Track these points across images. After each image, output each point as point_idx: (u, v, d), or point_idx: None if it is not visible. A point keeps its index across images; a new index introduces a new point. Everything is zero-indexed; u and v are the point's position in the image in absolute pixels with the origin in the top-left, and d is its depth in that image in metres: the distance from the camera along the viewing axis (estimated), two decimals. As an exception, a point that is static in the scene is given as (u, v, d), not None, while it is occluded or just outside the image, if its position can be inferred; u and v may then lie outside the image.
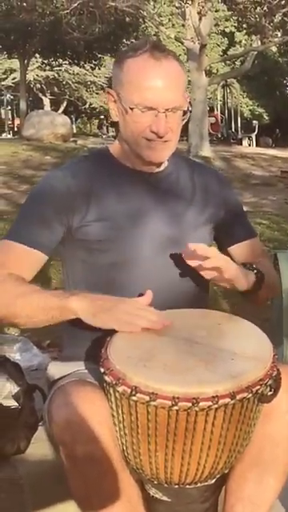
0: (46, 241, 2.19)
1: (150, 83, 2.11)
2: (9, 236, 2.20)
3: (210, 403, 1.69)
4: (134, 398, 1.71)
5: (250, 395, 1.75)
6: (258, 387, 1.77)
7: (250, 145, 33.04)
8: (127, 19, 24.83)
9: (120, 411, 1.80)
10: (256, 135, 34.93)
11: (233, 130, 34.95)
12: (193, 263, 2.12)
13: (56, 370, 2.25)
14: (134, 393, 1.71)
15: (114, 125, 2.30)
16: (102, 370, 1.81)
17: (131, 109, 2.13)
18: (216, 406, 1.69)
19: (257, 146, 33.11)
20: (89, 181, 2.23)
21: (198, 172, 2.41)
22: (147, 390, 1.70)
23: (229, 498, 2.10)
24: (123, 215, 2.21)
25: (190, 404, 1.68)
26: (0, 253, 2.20)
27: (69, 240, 2.23)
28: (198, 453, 1.78)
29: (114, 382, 1.75)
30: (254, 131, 34.60)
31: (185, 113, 2.22)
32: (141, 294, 2.05)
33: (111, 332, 1.94)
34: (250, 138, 34.36)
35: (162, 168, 2.30)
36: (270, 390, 1.83)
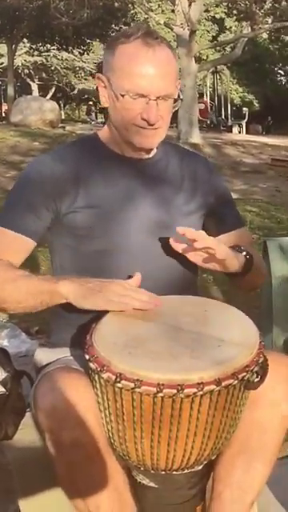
0: (34, 227, 2.19)
1: (142, 70, 2.10)
2: None
3: (195, 390, 1.68)
4: (118, 384, 1.71)
5: (236, 382, 1.75)
6: (244, 374, 1.77)
7: (240, 132, 33.09)
8: (116, 4, 24.73)
9: (105, 398, 1.80)
10: (246, 122, 34.97)
11: (223, 116, 34.92)
12: (180, 249, 2.12)
13: (43, 356, 2.25)
14: (118, 380, 1.70)
15: (104, 110, 2.29)
16: (87, 356, 1.80)
17: (122, 95, 2.11)
18: (201, 392, 1.69)
19: (247, 133, 33.13)
20: (77, 166, 2.23)
21: (187, 159, 2.41)
22: (132, 376, 1.69)
23: (217, 484, 2.10)
24: (111, 201, 2.21)
25: (174, 391, 1.67)
26: None
27: (56, 227, 2.22)
28: (184, 439, 1.78)
29: (98, 369, 1.75)
30: (244, 118, 34.66)
31: (175, 100, 2.21)
32: (130, 277, 2.06)
33: (97, 318, 1.94)
34: (240, 125, 34.41)
35: (151, 155, 2.30)
36: (257, 377, 1.82)
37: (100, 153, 2.28)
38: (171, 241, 2.14)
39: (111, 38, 2.23)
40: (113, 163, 2.26)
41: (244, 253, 2.24)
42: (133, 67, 2.10)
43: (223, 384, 1.72)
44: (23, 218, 2.18)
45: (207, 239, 2.09)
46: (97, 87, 2.24)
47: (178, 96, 2.21)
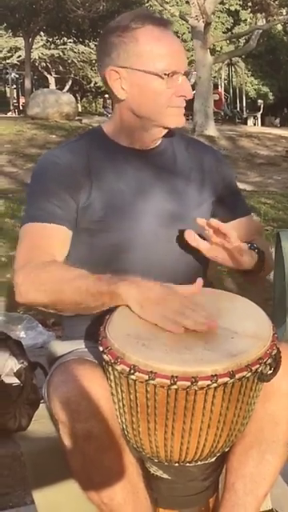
0: (66, 215, 2.16)
1: (171, 48, 2.14)
2: (28, 219, 2.17)
3: (209, 382, 1.68)
4: (132, 376, 1.71)
5: (250, 374, 1.75)
6: (258, 366, 1.77)
7: (255, 124, 32.99)
8: (131, -4, 24.72)
9: (119, 390, 1.81)
10: (261, 114, 34.85)
11: (238, 109, 34.84)
12: (196, 243, 2.12)
13: (56, 347, 2.25)
14: (132, 371, 1.71)
15: (113, 103, 2.27)
16: (101, 348, 1.80)
17: (166, 74, 2.11)
18: (215, 384, 1.69)
19: (262, 125, 33.03)
20: (87, 160, 2.22)
21: (192, 148, 2.40)
22: (146, 368, 1.69)
23: (230, 475, 2.10)
24: (124, 193, 2.20)
25: (188, 383, 1.68)
26: (27, 237, 2.16)
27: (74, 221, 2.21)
28: (197, 431, 1.78)
29: (112, 361, 1.75)
30: (259, 110, 34.53)
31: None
32: (144, 273, 1.99)
33: (111, 310, 1.93)
34: (255, 118, 34.30)
35: (156, 144, 2.30)
36: (270, 369, 1.82)
37: (107, 146, 2.27)
38: (186, 235, 2.13)
39: (115, 30, 2.16)
40: (121, 156, 2.25)
41: (256, 250, 2.24)
42: (161, 47, 2.12)
43: (237, 376, 1.72)
44: (53, 208, 2.15)
45: (229, 228, 2.11)
46: (105, 83, 2.22)
47: (190, 73, 2.23)
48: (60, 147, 2.38)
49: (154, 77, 2.12)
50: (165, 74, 2.11)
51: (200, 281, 1.98)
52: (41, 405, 2.29)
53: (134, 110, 2.20)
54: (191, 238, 2.13)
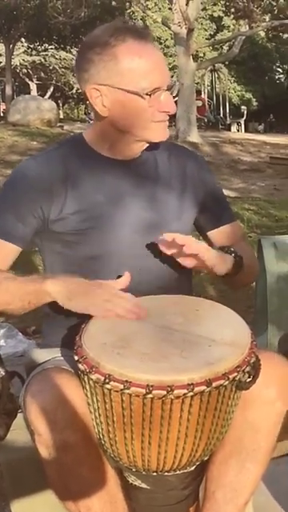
0: (20, 233, 2.16)
1: (152, 64, 2.10)
2: None
3: (185, 391, 1.67)
4: (107, 386, 1.70)
5: (227, 382, 1.73)
6: (235, 374, 1.75)
7: (238, 130, 33.11)
8: (113, 3, 24.73)
9: (95, 399, 1.79)
10: (245, 121, 35.01)
11: (221, 115, 34.95)
12: (169, 252, 2.11)
13: (34, 356, 2.23)
14: (107, 381, 1.69)
15: (95, 115, 2.23)
16: (76, 357, 1.79)
17: (148, 94, 2.09)
18: (191, 393, 1.68)
19: (245, 131, 33.17)
20: (64, 170, 2.19)
21: (175, 155, 2.37)
22: (121, 377, 1.68)
23: (210, 484, 2.09)
24: (101, 204, 2.18)
25: (164, 392, 1.66)
26: None
27: (45, 233, 2.19)
28: (174, 440, 1.77)
29: (87, 370, 1.74)
30: (243, 117, 34.69)
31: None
32: (120, 277, 2.04)
33: (88, 318, 1.93)
34: (238, 124, 34.44)
35: (138, 154, 2.27)
36: (249, 377, 1.81)
37: (87, 155, 2.24)
38: (160, 244, 2.12)
39: (93, 46, 2.12)
40: (100, 165, 2.23)
41: (233, 254, 2.22)
42: (142, 64, 2.08)
43: (214, 385, 1.70)
44: (8, 224, 2.15)
45: (196, 245, 2.07)
46: (86, 99, 2.19)
47: (173, 85, 2.22)
48: (37, 156, 2.34)
49: (136, 96, 2.10)
50: (146, 94, 2.09)
51: (127, 274, 2.03)
52: (18, 414, 2.26)
53: (117, 126, 2.17)
54: (164, 247, 2.11)
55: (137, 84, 2.08)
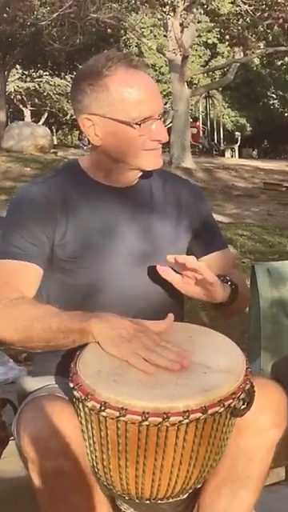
0: (39, 253, 2.13)
1: (143, 94, 2.11)
2: (1, 255, 2.15)
3: (181, 418, 1.66)
4: (103, 413, 1.69)
5: (222, 409, 1.73)
6: (231, 401, 1.75)
7: (232, 156, 33.26)
8: (109, 30, 24.83)
9: (90, 427, 1.78)
10: (239, 146, 35.17)
11: (215, 141, 35.11)
12: (167, 276, 2.11)
13: (27, 383, 2.21)
14: (103, 408, 1.68)
15: (89, 143, 2.24)
16: (72, 384, 1.77)
17: (138, 124, 2.10)
18: (187, 420, 1.67)
19: (239, 157, 33.31)
20: (64, 196, 2.19)
21: (170, 183, 2.39)
22: (117, 405, 1.67)
23: (202, 512, 2.08)
24: (96, 232, 2.18)
25: (160, 419, 1.65)
26: None
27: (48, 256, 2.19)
28: (169, 468, 1.76)
29: (83, 398, 1.73)
30: (237, 142, 34.85)
31: (164, 114, 2.24)
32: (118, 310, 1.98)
33: (82, 346, 1.91)
34: (232, 150, 34.60)
35: (134, 182, 2.28)
36: (243, 404, 1.81)
37: (83, 182, 2.25)
38: (158, 268, 2.12)
39: (86, 77, 2.14)
40: (96, 193, 2.23)
41: (229, 283, 2.22)
42: (133, 95, 2.10)
43: (209, 412, 1.70)
44: (26, 246, 2.12)
45: (197, 262, 2.09)
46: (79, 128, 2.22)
47: (167, 112, 2.23)
48: (37, 183, 2.32)
49: (127, 126, 2.11)
50: (136, 124, 2.10)
51: (171, 316, 1.97)
52: (10, 442, 2.25)
53: (110, 155, 2.19)
54: (164, 272, 2.12)
55: (127, 114, 2.10)
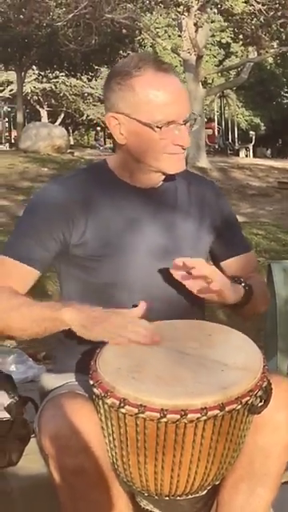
0: (39, 257, 2.17)
1: (169, 98, 2.12)
2: (4, 251, 2.19)
3: (199, 415, 1.69)
4: (122, 410, 1.71)
5: (240, 406, 1.75)
6: (248, 398, 1.77)
7: (247, 155, 33.11)
8: (124, 31, 24.80)
9: (109, 424, 1.80)
10: (253, 146, 35.03)
11: (230, 140, 34.99)
12: (179, 277, 2.13)
13: (47, 381, 2.24)
14: (122, 405, 1.71)
15: (113, 140, 2.27)
16: (91, 382, 1.81)
17: (159, 127, 2.11)
18: (205, 417, 1.69)
19: (254, 156, 33.19)
20: (86, 195, 2.21)
21: (194, 183, 2.40)
22: (136, 402, 1.70)
23: (220, 509, 2.09)
24: (118, 230, 2.20)
25: (178, 416, 1.68)
26: None
27: (65, 257, 2.21)
28: (187, 464, 1.78)
29: (102, 395, 1.75)
30: (251, 142, 34.71)
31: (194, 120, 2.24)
32: (135, 305, 2.04)
33: (102, 343, 1.94)
34: (247, 149, 34.46)
35: (159, 184, 2.29)
36: (260, 401, 1.82)
37: (109, 181, 2.27)
38: (172, 269, 2.14)
39: (116, 75, 2.18)
40: (121, 192, 2.25)
41: (243, 284, 2.24)
42: (158, 98, 2.11)
43: (227, 409, 1.72)
44: (28, 248, 2.16)
45: (205, 268, 2.09)
46: (105, 126, 2.25)
47: (195, 118, 2.23)
48: (60, 181, 2.38)
49: (149, 128, 2.13)
50: (157, 127, 2.11)
51: (143, 303, 2.03)
52: (32, 439, 2.27)
53: (133, 155, 2.21)
54: (175, 272, 2.14)
55: (151, 116, 2.12)
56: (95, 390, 1.79)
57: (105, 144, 38.47)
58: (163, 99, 2.11)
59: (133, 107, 2.13)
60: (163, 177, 2.27)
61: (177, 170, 2.24)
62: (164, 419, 1.68)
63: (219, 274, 2.13)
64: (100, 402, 1.81)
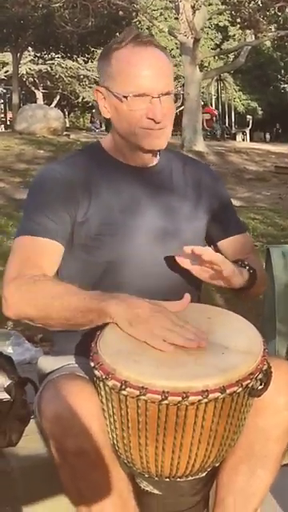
0: (61, 230, 2.15)
1: (142, 70, 2.12)
2: (22, 232, 2.16)
3: (200, 397, 1.69)
4: (123, 392, 1.71)
5: (240, 389, 1.75)
6: (248, 381, 1.77)
7: (243, 140, 33.09)
8: (120, 13, 24.71)
9: (110, 405, 1.80)
10: (250, 130, 35.00)
11: (226, 124, 34.96)
12: (186, 265, 2.13)
13: (47, 363, 2.24)
14: (123, 387, 1.71)
15: (107, 120, 2.28)
16: (92, 364, 1.80)
17: (125, 97, 2.12)
18: (206, 400, 1.69)
19: (251, 140, 33.16)
20: (87, 175, 2.22)
21: (189, 166, 2.42)
22: (137, 384, 1.69)
23: (220, 490, 2.11)
24: (118, 210, 2.21)
25: (179, 398, 1.68)
26: (19, 250, 2.14)
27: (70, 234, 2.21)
28: (188, 446, 1.78)
29: (103, 377, 1.75)
30: (248, 126, 34.68)
31: (176, 99, 2.23)
32: (140, 292, 1.98)
33: (102, 326, 1.93)
34: (243, 133, 34.43)
35: (154, 163, 2.30)
36: (261, 384, 1.82)
37: (105, 162, 2.28)
38: (176, 257, 2.13)
39: (104, 50, 2.23)
40: (118, 172, 2.26)
41: (247, 267, 2.24)
42: (132, 69, 2.12)
43: (228, 391, 1.72)
44: (48, 223, 2.13)
45: (214, 254, 2.09)
46: (96, 101, 2.25)
47: (178, 95, 2.22)
48: (59, 161, 2.38)
49: (118, 99, 2.15)
50: (124, 97, 2.12)
51: (187, 296, 1.99)
52: (31, 420, 2.28)
53: (118, 131, 2.23)
54: (181, 261, 2.13)
55: (123, 88, 2.13)
56: (96, 371, 1.78)
57: (100, 126, 38.42)
58: (135, 71, 2.12)
59: (110, 80, 2.16)
60: (155, 156, 2.28)
61: (152, 147, 2.23)
62: (165, 401, 1.68)
63: (227, 261, 2.13)
64: (101, 384, 1.81)
